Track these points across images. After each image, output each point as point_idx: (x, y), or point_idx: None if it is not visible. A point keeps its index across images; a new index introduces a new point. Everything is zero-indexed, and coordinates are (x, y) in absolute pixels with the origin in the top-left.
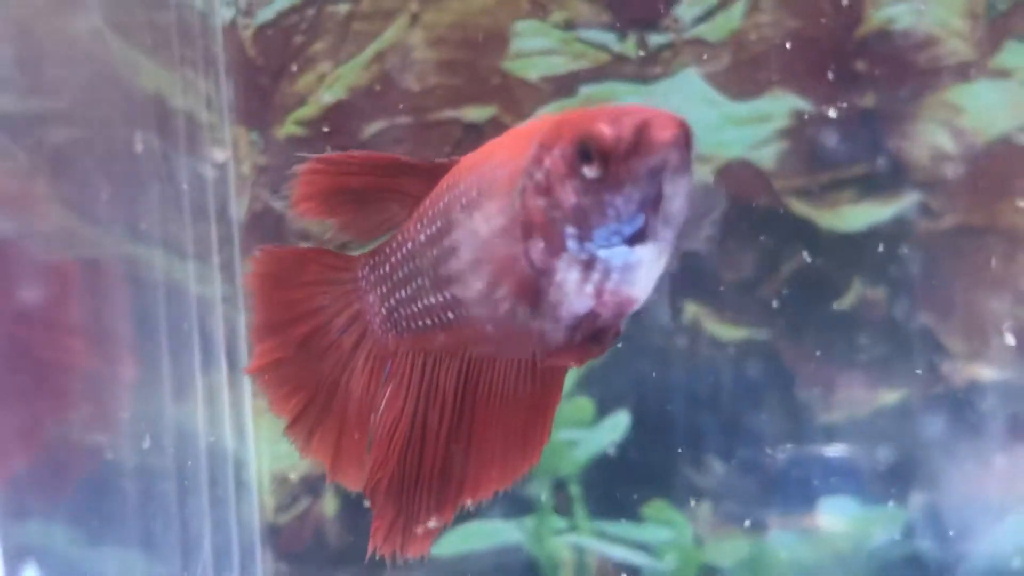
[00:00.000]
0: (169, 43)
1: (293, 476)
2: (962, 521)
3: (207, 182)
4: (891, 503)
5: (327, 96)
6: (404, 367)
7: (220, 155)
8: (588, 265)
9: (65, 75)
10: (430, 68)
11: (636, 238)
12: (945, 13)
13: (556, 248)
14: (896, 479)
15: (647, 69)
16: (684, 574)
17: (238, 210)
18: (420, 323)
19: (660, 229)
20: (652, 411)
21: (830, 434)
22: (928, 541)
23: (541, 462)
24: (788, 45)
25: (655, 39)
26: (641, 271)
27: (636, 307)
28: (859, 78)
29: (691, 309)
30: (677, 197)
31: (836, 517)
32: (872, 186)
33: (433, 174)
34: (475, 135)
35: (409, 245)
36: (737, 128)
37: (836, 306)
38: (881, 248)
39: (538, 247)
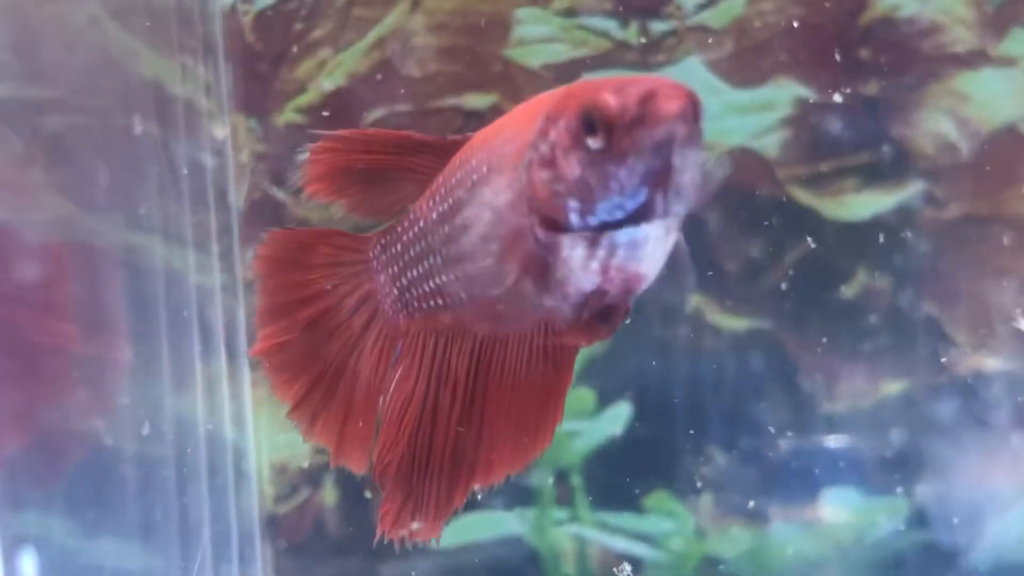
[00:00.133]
0: (168, 29)
1: (300, 465)
2: (966, 512)
3: (206, 170)
4: (894, 494)
5: (327, 83)
6: (415, 348)
7: (220, 132)
8: (593, 241)
9: (63, 62)
10: (431, 55)
11: (640, 213)
12: (950, 0)
13: (559, 223)
14: (899, 469)
15: (649, 56)
16: (686, 565)
17: (237, 198)
18: (432, 303)
19: (668, 204)
20: (654, 402)
21: (833, 424)
22: (931, 532)
23: (542, 453)
24: (791, 32)
25: (657, 26)
26: (647, 248)
27: (645, 285)
28: (863, 66)
29: (694, 298)
30: (686, 171)
31: (839, 508)
32: (876, 175)
33: (445, 151)
34: (476, 123)
35: (421, 223)
36: (740, 116)
37: (839, 296)
38: (885, 237)
39: (543, 222)
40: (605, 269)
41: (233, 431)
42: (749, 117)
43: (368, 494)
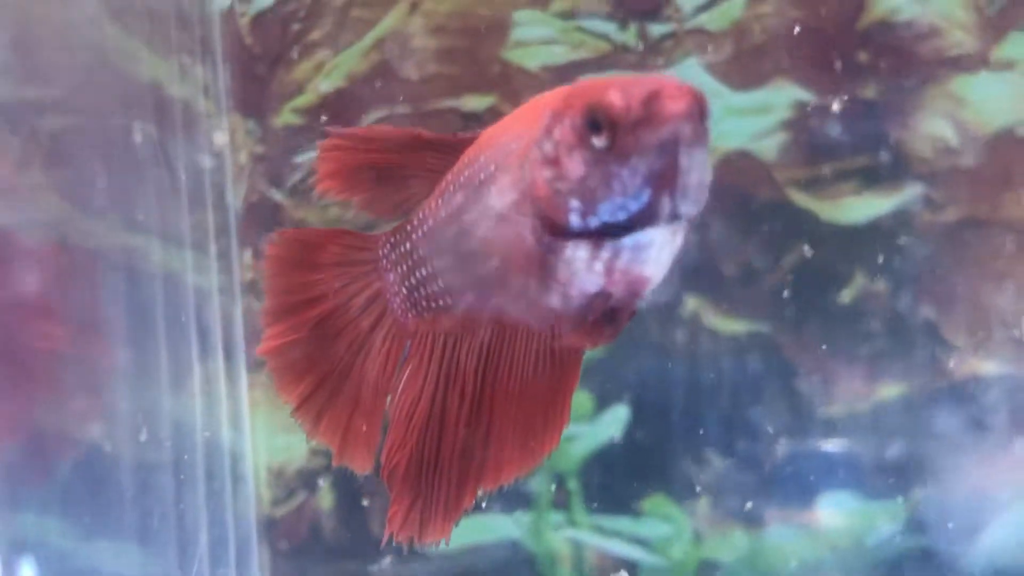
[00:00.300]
0: (166, 30)
1: (297, 468)
2: (963, 515)
3: (204, 171)
4: (892, 497)
5: (325, 84)
6: (424, 348)
7: (220, 138)
8: (597, 243)
9: (62, 63)
10: (429, 56)
11: (643, 216)
12: (948, 4)
13: (562, 223)
14: (897, 473)
15: (648, 59)
16: (683, 569)
17: (235, 199)
18: (440, 302)
19: (675, 206)
20: (651, 405)
21: (830, 428)
22: (928, 535)
23: (549, 454)
24: (790, 36)
25: (656, 29)
26: (653, 250)
27: (650, 287)
28: (862, 69)
29: (691, 302)
30: (693, 172)
31: (836, 512)
32: (874, 178)
33: (454, 149)
34: (474, 124)
35: (430, 222)
36: (738, 119)
37: (838, 299)
38: (883, 240)
39: (546, 222)
40: (609, 271)
41: (230, 434)
42: (748, 120)
43: (366, 501)
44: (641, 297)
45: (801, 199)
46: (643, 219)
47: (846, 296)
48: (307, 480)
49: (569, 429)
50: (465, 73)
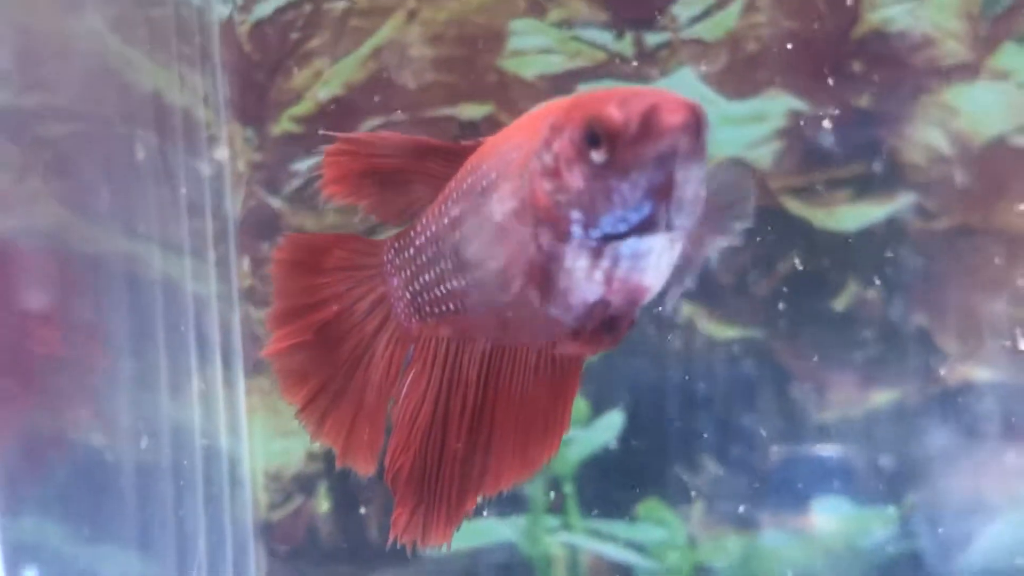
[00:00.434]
0: (166, 40)
1: (289, 473)
2: (955, 521)
3: (203, 179)
4: (884, 503)
5: (323, 93)
6: (427, 352)
7: (220, 153)
8: (596, 252)
9: (62, 71)
10: (427, 65)
11: (644, 226)
12: (942, 15)
13: (563, 233)
14: (890, 479)
15: (644, 68)
16: (678, 573)
17: (233, 207)
18: (443, 308)
19: (671, 218)
20: (646, 410)
21: (824, 434)
22: (921, 541)
23: (550, 460)
24: (785, 45)
25: (652, 38)
26: (651, 259)
27: (649, 296)
28: (855, 79)
29: (686, 308)
30: (689, 184)
31: (829, 517)
32: (868, 186)
33: (458, 156)
34: (471, 133)
35: (433, 228)
36: (733, 127)
37: (831, 306)
38: (876, 248)
39: (546, 232)
40: (609, 280)
41: (228, 439)
42: (742, 129)
43: (362, 507)
44: (640, 305)
45: (795, 207)
46: (643, 229)
47: (840, 303)
48: (304, 484)
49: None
50: (462, 82)
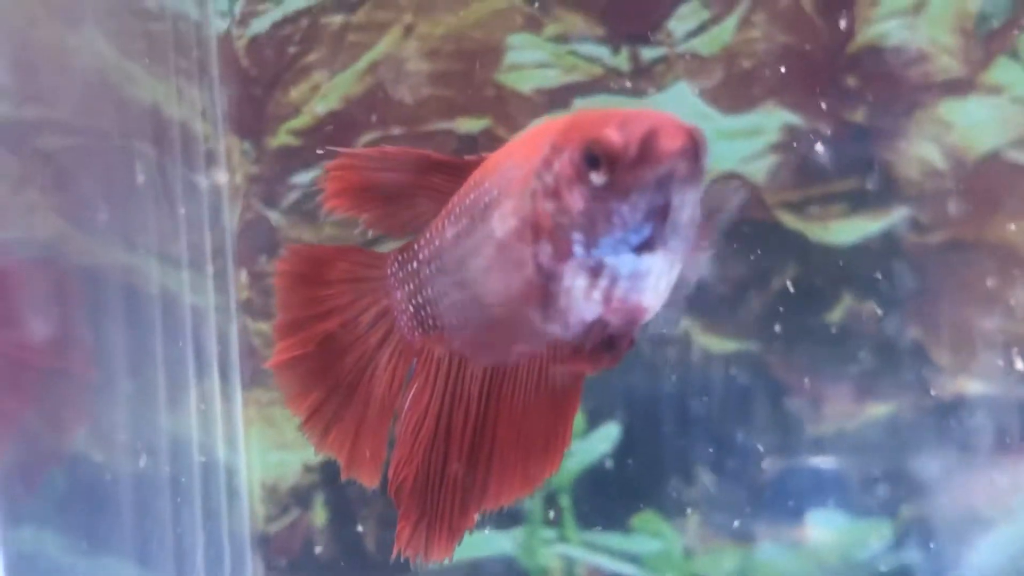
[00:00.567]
0: (164, 53)
1: (286, 485)
2: (950, 534)
3: (201, 192)
4: (879, 515)
5: (321, 107)
6: (429, 366)
7: (221, 177)
8: (595, 272)
9: (60, 84)
10: (424, 80)
11: (643, 247)
12: (937, 30)
13: (563, 253)
14: (885, 491)
15: (640, 83)
16: None
17: (231, 220)
18: (445, 322)
19: (669, 239)
20: (642, 423)
21: (819, 446)
22: (916, 554)
23: (551, 476)
24: (780, 60)
25: (648, 53)
26: (650, 280)
27: (648, 316)
28: (850, 93)
29: (682, 321)
30: (686, 207)
31: (825, 529)
32: (862, 201)
33: (462, 171)
34: (468, 147)
35: (436, 242)
36: (729, 142)
37: (826, 319)
38: (871, 262)
39: (546, 251)
40: (607, 300)
41: (225, 451)
42: (738, 143)
43: (359, 519)
44: (639, 325)
45: (790, 221)
46: (641, 250)
47: (835, 317)
48: (301, 497)
49: None
50: (459, 96)
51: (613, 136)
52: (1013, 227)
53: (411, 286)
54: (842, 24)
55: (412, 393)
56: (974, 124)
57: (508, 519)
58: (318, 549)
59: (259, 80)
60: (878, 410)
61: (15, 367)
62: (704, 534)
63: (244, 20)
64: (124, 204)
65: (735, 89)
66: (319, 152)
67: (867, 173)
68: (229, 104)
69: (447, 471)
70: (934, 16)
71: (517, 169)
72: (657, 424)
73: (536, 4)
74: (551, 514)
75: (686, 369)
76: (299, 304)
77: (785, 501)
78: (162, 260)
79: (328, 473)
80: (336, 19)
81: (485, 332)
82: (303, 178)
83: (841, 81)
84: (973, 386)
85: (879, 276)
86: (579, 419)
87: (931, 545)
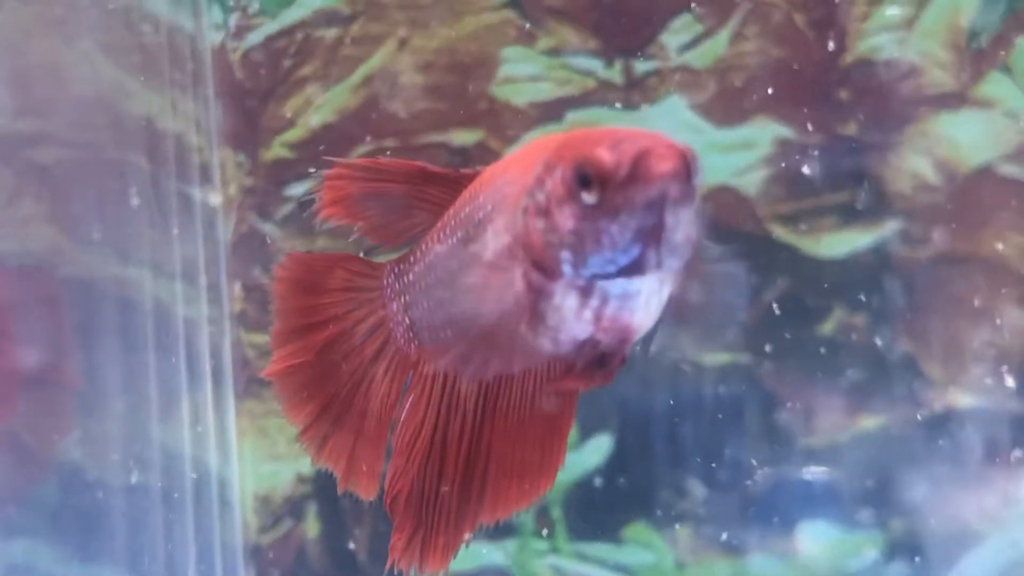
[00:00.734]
0: (159, 66)
1: (279, 496)
2: (940, 547)
3: (195, 204)
4: (870, 527)
5: (315, 119)
6: (425, 379)
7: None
8: (585, 291)
9: (56, 97)
10: (418, 92)
11: (633, 268)
12: (929, 44)
13: (552, 271)
14: (875, 504)
15: (633, 96)
16: None
17: (225, 232)
18: (440, 335)
19: (661, 260)
20: (634, 434)
21: (810, 458)
22: (906, 566)
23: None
24: (772, 74)
25: (641, 66)
26: (640, 300)
27: (639, 335)
28: (842, 107)
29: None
30: (679, 228)
31: (816, 541)
32: (854, 214)
33: (457, 183)
34: (462, 159)
35: (431, 255)
36: (721, 155)
37: (817, 332)
38: (862, 275)
39: (536, 269)
40: (598, 319)
41: (218, 461)
42: (730, 156)
43: (353, 533)
44: (630, 344)
45: (782, 233)
46: (632, 271)
47: (826, 329)
48: (293, 508)
49: None
50: (453, 109)
51: (605, 156)
52: (1004, 241)
53: (406, 298)
54: (834, 38)
55: (408, 405)
56: (966, 138)
57: (500, 531)
58: (311, 560)
59: (254, 93)
60: (869, 422)
61: (6, 377)
62: (695, 546)
63: (239, 33)
64: (118, 216)
65: (727, 102)
66: (315, 162)
67: (859, 186)
68: (223, 117)
69: (442, 484)
70: (926, 30)
71: (511, 185)
72: (649, 436)
73: (529, 18)
74: (543, 525)
75: (678, 381)
76: (297, 311)
77: (776, 513)
78: (155, 272)
79: (321, 484)
80: (330, 32)
81: (477, 347)
82: (297, 190)
83: (833, 95)
84: (964, 399)
85: (870, 289)
86: (571, 431)
87: (921, 557)
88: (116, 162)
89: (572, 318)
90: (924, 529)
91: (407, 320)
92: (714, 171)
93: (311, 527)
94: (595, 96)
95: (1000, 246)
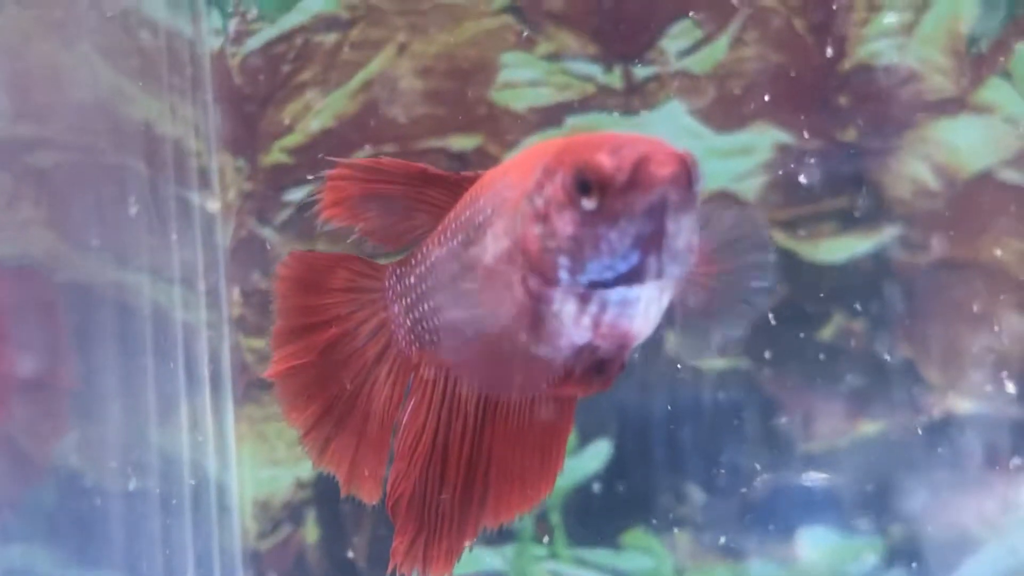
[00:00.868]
0: (158, 71)
1: (278, 501)
2: (939, 552)
3: (194, 209)
4: (870, 533)
5: (314, 124)
6: (426, 382)
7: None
8: (584, 298)
9: (55, 102)
10: (417, 98)
11: (632, 275)
12: (928, 49)
13: (551, 277)
14: (875, 509)
15: (632, 101)
16: None
17: (223, 237)
18: (441, 338)
19: (660, 267)
20: (633, 440)
21: (810, 464)
22: (905, 572)
23: (547, 496)
24: (772, 79)
25: (641, 71)
26: (639, 307)
27: (637, 342)
28: (842, 112)
29: (673, 338)
30: (679, 235)
31: (815, 547)
32: (853, 219)
33: (459, 186)
34: (461, 165)
35: (432, 258)
36: (721, 160)
37: (817, 337)
38: (862, 280)
39: (534, 274)
40: (596, 325)
41: (216, 467)
42: (730, 161)
43: (352, 538)
44: (629, 350)
45: (781, 239)
46: (630, 278)
47: (825, 334)
48: (292, 513)
49: None
50: (452, 114)
51: (604, 161)
52: (1003, 247)
53: (407, 300)
54: (833, 44)
55: (410, 408)
56: (965, 144)
57: (498, 536)
58: (310, 565)
59: (252, 98)
60: (869, 427)
61: (4, 381)
62: (694, 551)
63: (238, 38)
64: (116, 221)
65: (727, 108)
66: (314, 168)
67: (858, 192)
68: (222, 122)
69: (444, 487)
70: (925, 36)
71: (511, 189)
72: (648, 441)
73: (528, 23)
74: (542, 530)
75: (677, 386)
76: (298, 311)
77: (775, 519)
78: (154, 276)
79: (321, 489)
80: (330, 38)
81: (477, 351)
82: (296, 196)
83: (832, 100)
84: (963, 405)
85: (870, 295)
86: (570, 437)
87: (920, 562)
88: (115, 167)
89: (570, 324)
90: (923, 535)
91: (408, 322)
92: (713, 177)
93: (310, 532)
94: (594, 101)
95: (999, 252)
